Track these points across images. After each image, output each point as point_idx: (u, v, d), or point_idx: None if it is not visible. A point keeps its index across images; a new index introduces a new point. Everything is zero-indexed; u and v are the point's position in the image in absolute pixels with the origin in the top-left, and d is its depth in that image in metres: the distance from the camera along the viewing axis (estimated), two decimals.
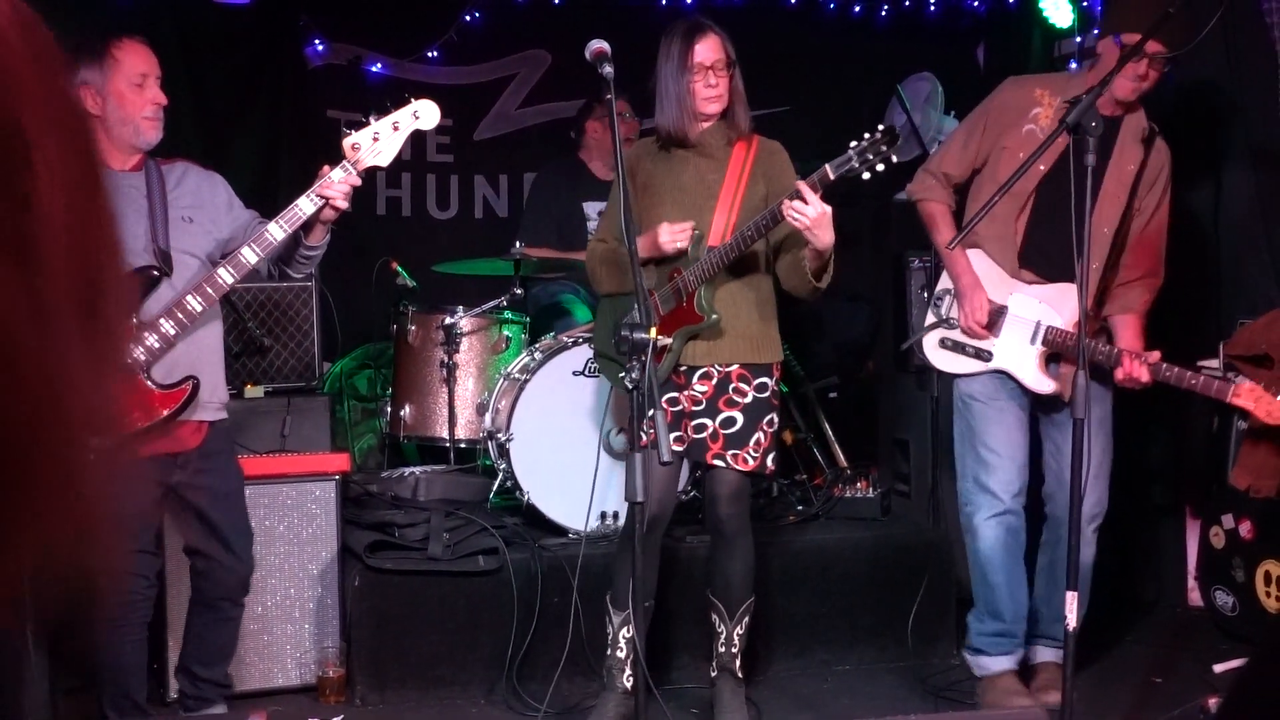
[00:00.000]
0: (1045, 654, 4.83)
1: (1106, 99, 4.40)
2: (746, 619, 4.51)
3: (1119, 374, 4.37)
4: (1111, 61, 4.30)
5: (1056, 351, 4.53)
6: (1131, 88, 4.43)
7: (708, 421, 4.32)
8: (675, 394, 4.36)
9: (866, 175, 4.02)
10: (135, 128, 3.94)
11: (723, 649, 4.50)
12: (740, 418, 4.33)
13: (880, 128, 4.03)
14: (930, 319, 4.78)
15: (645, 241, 4.27)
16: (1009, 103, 4.63)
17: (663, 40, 4.35)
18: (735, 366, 4.35)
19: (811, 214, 3.98)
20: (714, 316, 4.30)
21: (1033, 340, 4.53)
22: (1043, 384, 4.54)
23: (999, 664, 4.71)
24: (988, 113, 4.69)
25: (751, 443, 4.34)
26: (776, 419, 4.48)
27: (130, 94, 3.91)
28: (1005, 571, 4.66)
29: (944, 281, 4.74)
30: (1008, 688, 4.65)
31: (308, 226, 4.00)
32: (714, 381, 4.34)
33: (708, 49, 4.29)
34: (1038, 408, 4.69)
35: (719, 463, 4.33)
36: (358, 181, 3.95)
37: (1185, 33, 4.37)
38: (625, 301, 4.29)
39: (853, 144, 4.04)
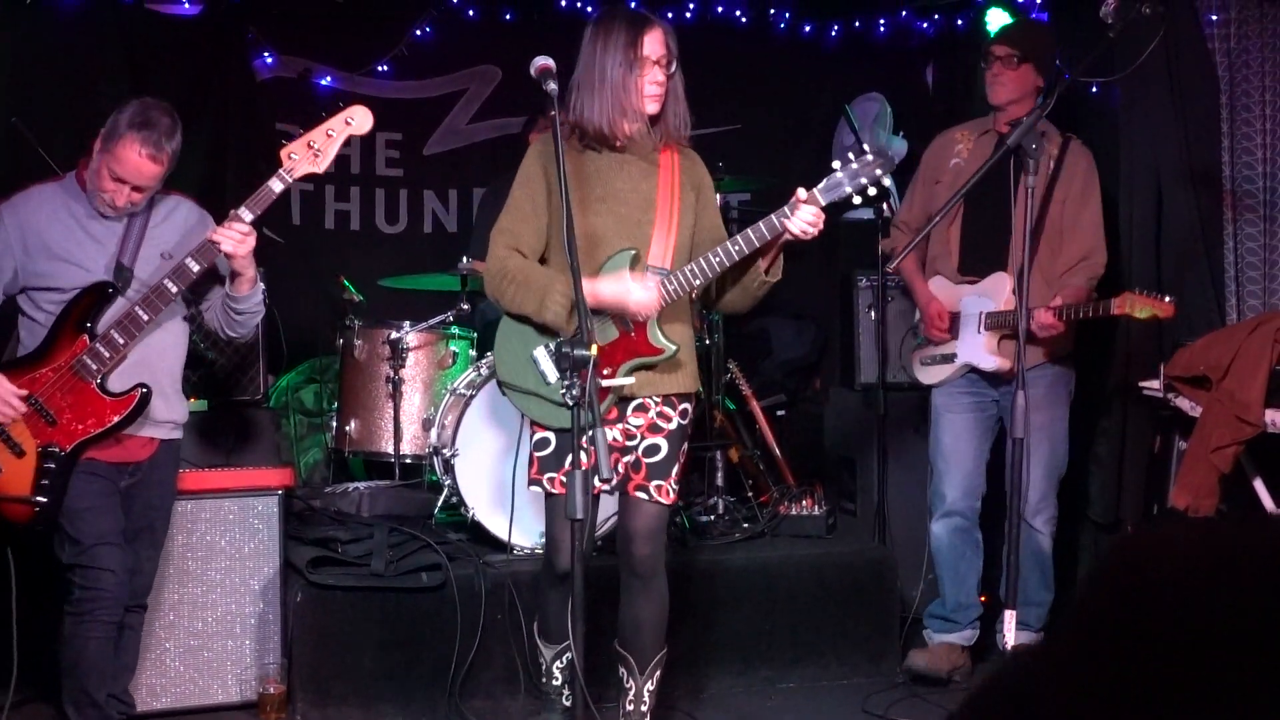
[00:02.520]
0: (1021, 638, 4.91)
1: (1003, 116, 5.10)
2: (658, 673, 4.16)
3: (1033, 326, 4.74)
4: (988, 61, 5.09)
5: (1003, 332, 4.96)
6: (994, 90, 5.09)
7: (632, 448, 3.98)
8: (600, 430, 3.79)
9: (858, 200, 3.85)
10: (100, 200, 4.06)
11: (630, 707, 4.15)
12: (664, 445, 3.99)
13: (866, 149, 3.86)
14: (914, 344, 5.39)
15: (608, 289, 3.84)
16: (936, 151, 5.40)
17: (596, 28, 3.92)
18: (661, 396, 4.03)
19: (820, 224, 3.80)
20: (674, 347, 3.93)
21: (979, 330, 5.04)
22: (989, 362, 5.02)
23: (938, 639, 5.28)
24: (923, 165, 5.45)
25: (673, 473, 4.01)
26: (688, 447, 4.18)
27: (107, 182, 4.01)
28: (948, 568, 5.23)
29: (919, 314, 5.35)
30: (930, 654, 5.24)
31: (231, 276, 4.10)
32: (649, 412, 4.01)
33: (656, 41, 3.88)
34: (1002, 409, 5.11)
35: (641, 495, 3.97)
36: (245, 227, 3.97)
37: (1033, 39, 5.15)
38: (537, 332, 3.96)
39: (837, 165, 3.82)
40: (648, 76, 3.88)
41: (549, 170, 3.89)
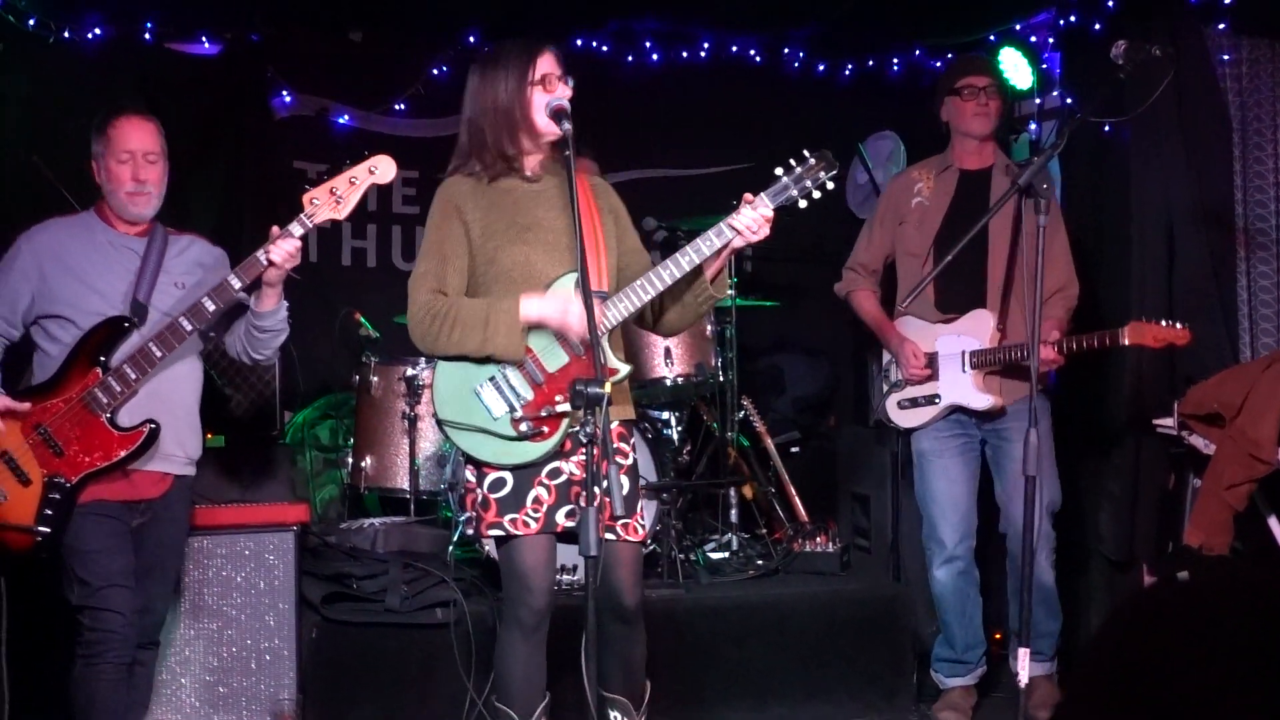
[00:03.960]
0: (1036, 669, 4.89)
1: (968, 152, 5.22)
2: (645, 703, 4.01)
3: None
4: (956, 114, 5.22)
5: (989, 369, 4.98)
6: (980, 121, 5.17)
7: (596, 489, 3.50)
8: (559, 463, 3.78)
9: (804, 204, 3.84)
10: (120, 202, 4.16)
11: None
12: (627, 482, 3.79)
13: (807, 153, 3.83)
14: (885, 388, 5.25)
15: (551, 306, 3.74)
16: (896, 191, 5.41)
17: (487, 61, 3.88)
18: (616, 424, 3.84)
19: (766, 226, 3.77)
20: (628, 367, 3.87)
21: (963, 368, 5.00)
22: (982, 400, 5.01)
23: (950, 682, 5.27)
24: (881, 206, 5.46)
25: (638, 509, 3.91)
26: None
27: (116, 170, 4.13)
28: (955, 611, 5.19)
29: (888, 355, 5.28)
30: (949, 701, 5.23)
31: (254, 289, 4.11)
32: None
33: (552, 61, 3.83)
34: (990, 446, 5.13)
35: (610, 535, 3.76)
36: (298, 243, 4.01)
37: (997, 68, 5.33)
38: (478, 365, 3.80)
39: (780, 171, 3.82)
40: (557, 93, 3.81)
41: (463, 209, 3.85)
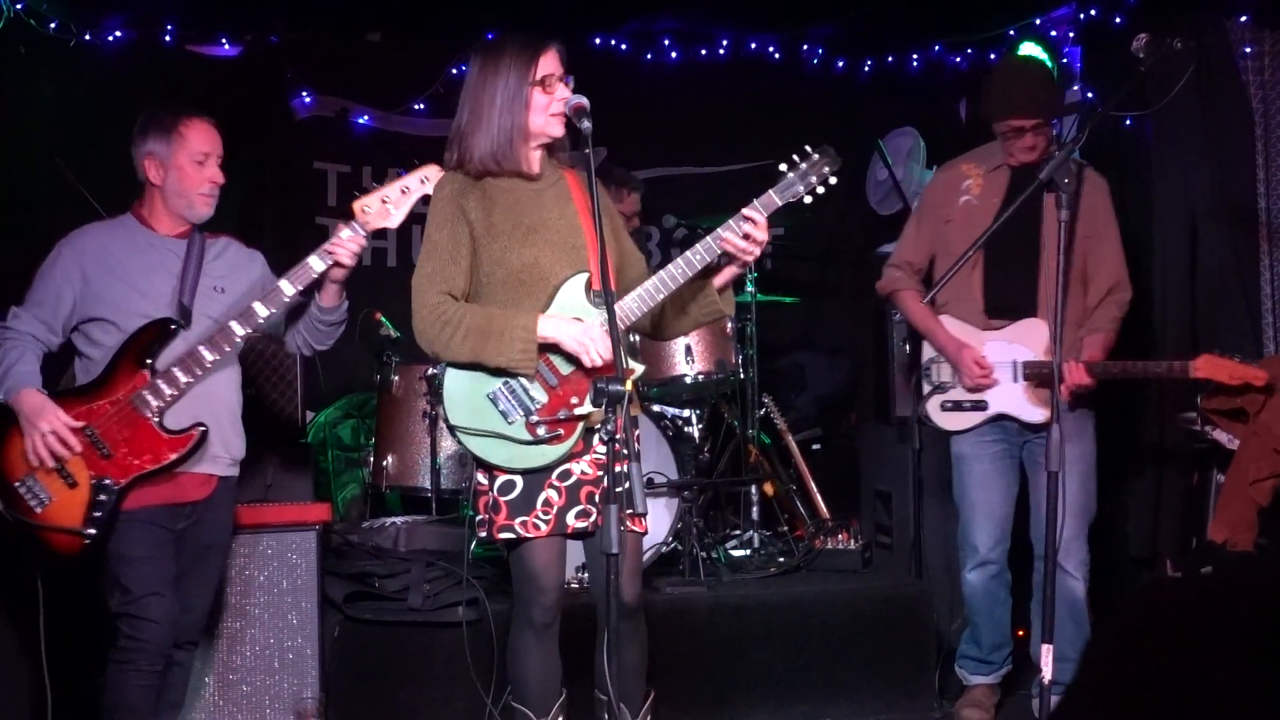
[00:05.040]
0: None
1: (1017, 159, 4.90)
2: (646, 706, 3.96)
3: (1064, 387, 4.54)
4: (1001, 141, 4.90)
5: (1040, 381, 4.83)
6: (1030, 155, 4.84)
7: (617, 489, 3.47)
8: (569, 465, 3.75)
9: (809, 199, 3.86)
10: (189, 202, 4.15)
11: None
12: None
13: (809, 149, 3.86)
14: (926, 388, 5.07)
15: (569, 331, 3.70)
16: (941, 185, 5.15)
17: (488, 55, 3.79)
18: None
19: (762, 238, 3.74)
20: (642, 367, 3.92)
21: (1015, 379, 4.87)
22: (1035, 414, 4.85)
23: (974, 680, 5.23)
24: (927, 202, 5.21)
25: (641, 500, 3.82)
26: None
27: (191, 170, 4.12)
28: (983, 613, 5.12)
29: (928, 351, 5.07)
30: (972, 699, 5.18)
31: (319, 286, 4.13)
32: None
33: (554, 59, 3.79)
34: (1029, 447, 4.99)
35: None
36: (364, 241, 4.05)
37: (1048, 99, 4.90)
38: (491, 371, 3.70)
39: (784, 167, 3.84)
40: (553, 93, 3.77)
41: (466, 208, 3.75)
